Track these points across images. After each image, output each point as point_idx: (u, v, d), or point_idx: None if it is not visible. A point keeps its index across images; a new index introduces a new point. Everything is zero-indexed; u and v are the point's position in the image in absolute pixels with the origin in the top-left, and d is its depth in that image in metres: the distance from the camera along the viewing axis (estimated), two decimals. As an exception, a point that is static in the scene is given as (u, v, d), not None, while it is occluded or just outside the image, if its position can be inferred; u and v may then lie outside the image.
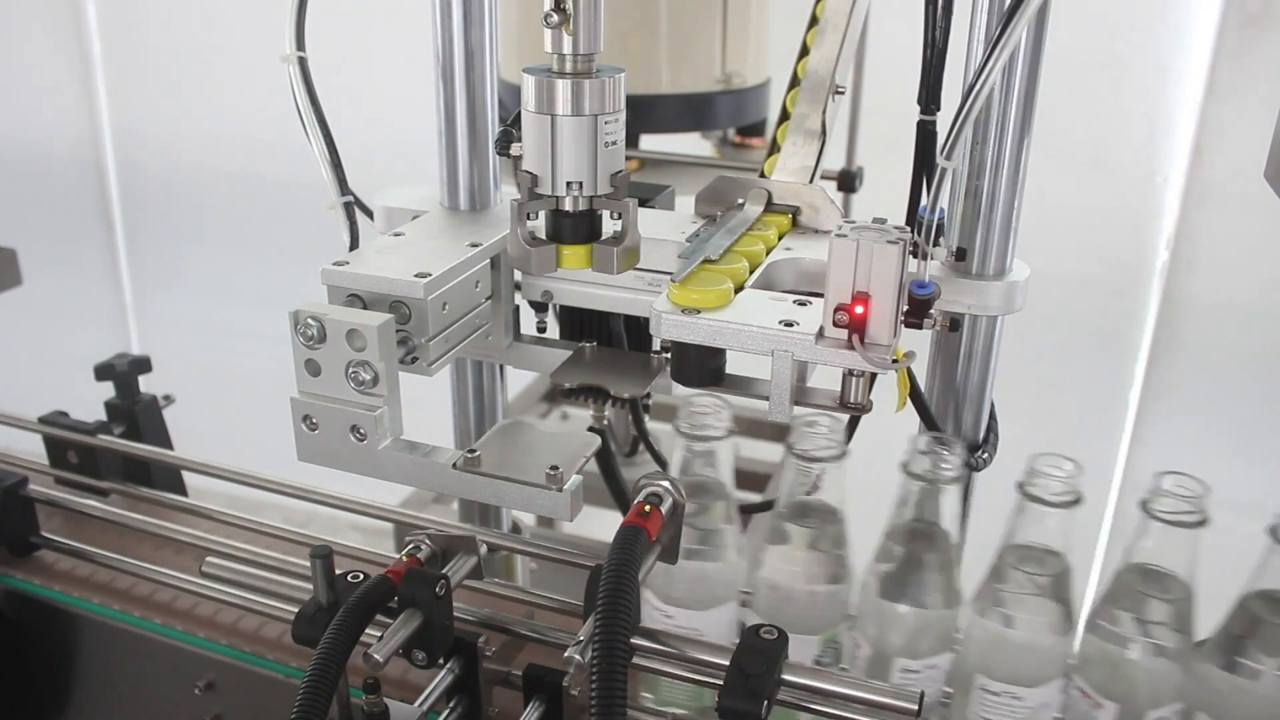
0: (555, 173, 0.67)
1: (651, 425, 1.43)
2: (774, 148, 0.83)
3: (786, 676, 0.65)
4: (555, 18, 0.64)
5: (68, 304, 2.80)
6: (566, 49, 0.65)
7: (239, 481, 1.10)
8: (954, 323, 0.75)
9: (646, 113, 1.42)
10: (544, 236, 0.70)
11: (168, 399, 1.23)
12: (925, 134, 0.78)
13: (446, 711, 0.79)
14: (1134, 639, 0.70)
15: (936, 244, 0.68)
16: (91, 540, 1.04)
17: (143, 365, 1.18)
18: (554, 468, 0.68)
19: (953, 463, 0.72)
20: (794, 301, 0.66)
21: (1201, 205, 1.86)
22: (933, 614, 0.74)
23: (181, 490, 1.20)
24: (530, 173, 0.67)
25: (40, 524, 1.05)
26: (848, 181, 1.57)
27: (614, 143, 0.68)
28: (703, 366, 0.70)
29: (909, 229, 0.62)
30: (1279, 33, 1.72)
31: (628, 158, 1.54)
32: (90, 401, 1.18)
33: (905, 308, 0.62)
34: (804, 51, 0.84)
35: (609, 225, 0.71)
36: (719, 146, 1.69)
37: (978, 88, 0.64)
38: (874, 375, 0.66)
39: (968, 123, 0.64)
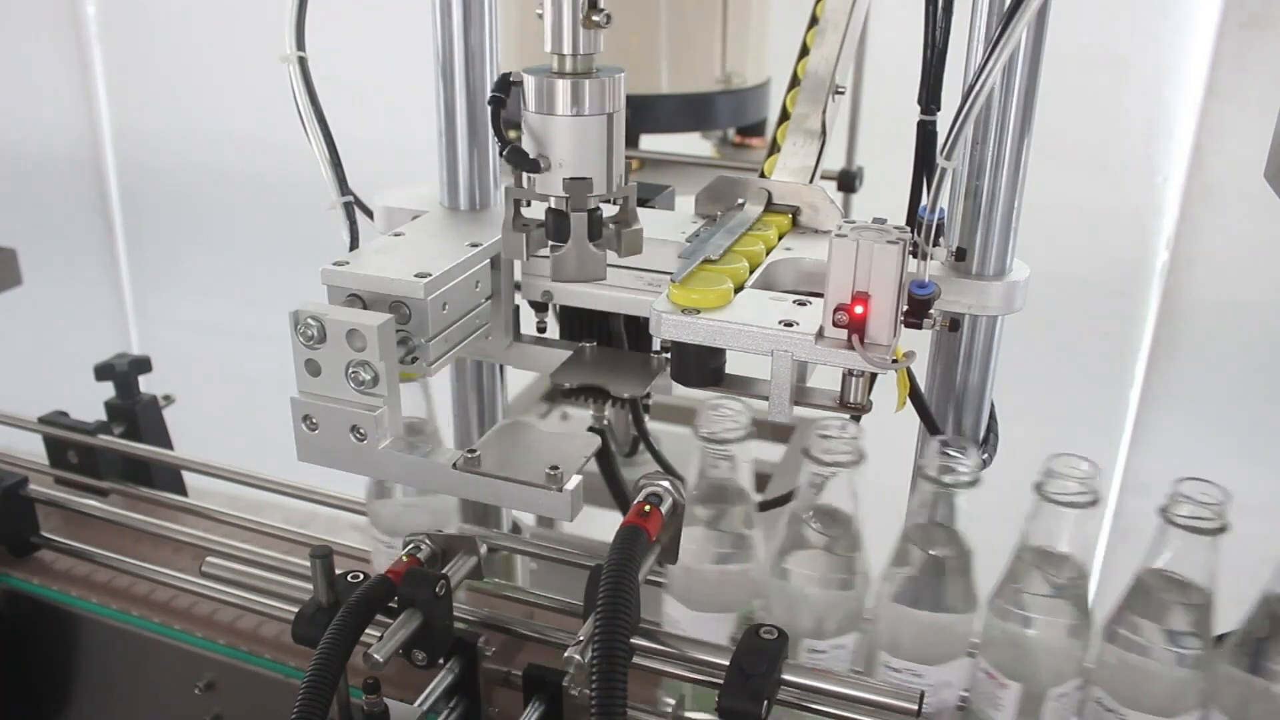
0: (611, 171, 0.67)
1: (651, 425, 1.43)
2: (774, 148, 0.83)
3: (786, 676, 0.65)
4: (600, 18, 0.64)
5: (68, 304, 2.80)
6: (600, 47, 0.66)
7: (239, 481, 1.10)
8: (954, 323, 0.74)
9: (646, 113, 1.42)
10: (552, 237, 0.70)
11: (168, 399, 1.23)
12: (925, 134, 0.78)
13: (446, 711, 0.79)
14: (1036, 619, 0.71)
15: (936, 244, 0.68)
16: (91, 540, 1.04)
17: (143, 365, 1.18)
18: (554, 468, 0.68)
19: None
20: (794, 301, 0.66)
21: (1201, 205, 1.86)
22: (839, 595, 0.75)
23: (181, 490, 1.20)
24: (586, 178, 0.67)
25: (40, 524, 1.05)
26: (848, 181, 1.57)
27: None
28: (703, 366, 0.70)
29: (909, 229, 0.62)
30: (1279, 33, 1.72)
31: (628, 158, 1.55)
32: (90, 401, 1.18)
33: (905, 308, 0.62)
34: (804, 51, 0.84)
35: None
36: (719, 146, 1.69)
37: (978, 88, 0.64)
38: (874, 375, 0.66)
39: (968, 123, 0.64)
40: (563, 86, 0.65)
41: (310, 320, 0.66)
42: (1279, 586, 0.66)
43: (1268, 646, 0.66)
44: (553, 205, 0.68)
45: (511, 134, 0.69)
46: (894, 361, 0.62)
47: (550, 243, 0.69)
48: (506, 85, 0.68)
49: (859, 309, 0.61)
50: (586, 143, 0.67)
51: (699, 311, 0.65)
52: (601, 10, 0.64)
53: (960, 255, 0.75)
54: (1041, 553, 0.71)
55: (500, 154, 0.70)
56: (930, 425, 0.79)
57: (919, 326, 0.64)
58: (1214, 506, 0.65)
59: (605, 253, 0.69)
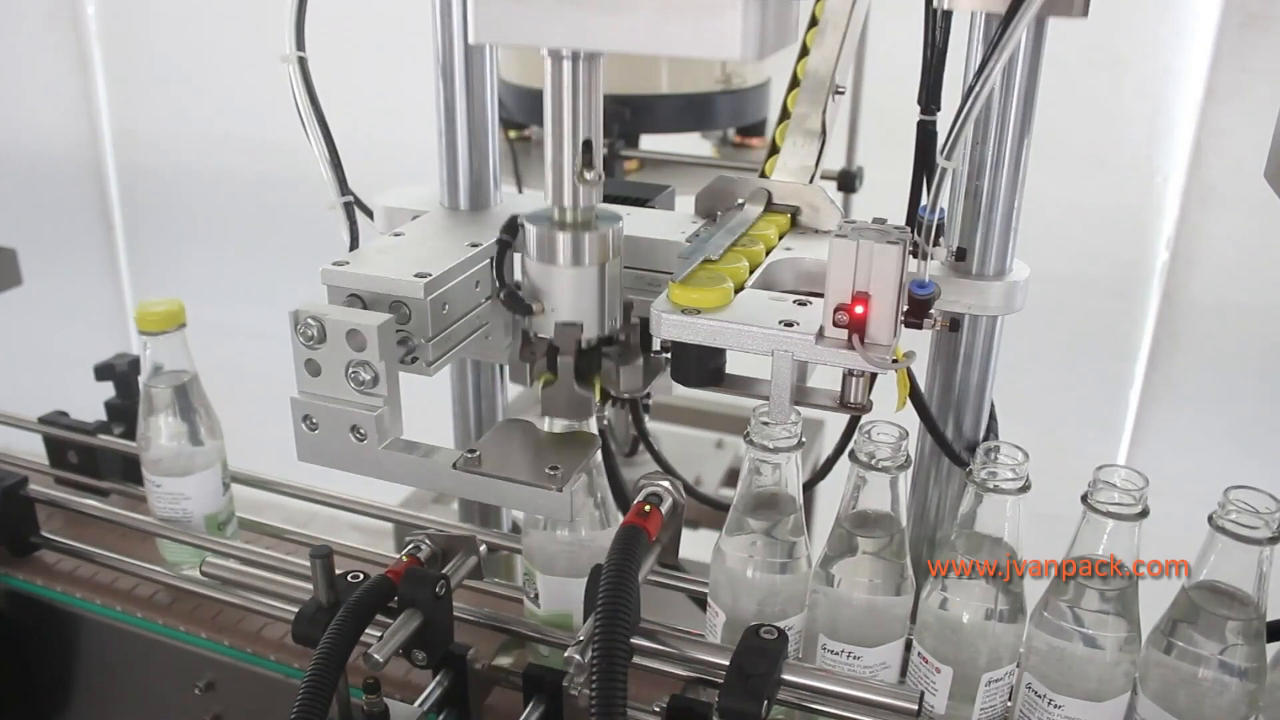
0: (604, 316, 0.71)
1: (651, 425, 1.43)
2: (774, 148, 0.83)
3: (786, 676, 0.65)
4: (591, 176, 0.67)
5: (68, 304, 2.80)
6: (598, 199, 0.69)
7: (239, 481, 1.10)
8: (954, 323, 0.74)
9: (646, 113, 1.42)
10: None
11: (168, 399, 1.22)
12: (925, 134, 0.78)
13: (446, 711, 0.79)
14: (967, 605, 0.72)
15: (936, 244, 0.68)
16: (91, 540, 1.04)
17: (143, 365, 1.18)
18: (554, 468, 0.68)
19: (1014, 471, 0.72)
20: (794, 301, 0.66)
21: (1201, 205, 1.86)
22: (781, 579, 0.75)
23: (181, 490, 1.20)
24: (577, 323, 0.70)
25: (40, 524, 1.05)
26: (848, 181, 1.57)
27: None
28: (703, 366, 0.70)
29: (909, 229, 0.62)
30: (1279, 33, 1.72)
31: (628, 158, 1.55)
32: (90, 401, 1.18)
33: (905, 308, 0.62)
34: (804, 51, 0.84)
35: None
36: (719, 146, 1.69)
37: (978, 88, 0.64)
38: (874, 375, 0.66)
39: (968, 123, 0.64)
40: (561, 239, 0.68)
41: (310, 320, 0.66)
42: (1200, 576, 0.67)
43: (1189, 631, 0.67)
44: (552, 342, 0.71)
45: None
46: (894, 361, 0.62)
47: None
48: (514, 228, 0.72)
49: (859, 309, 0.61)
50: (580, 290, 0.69)
51: (699, 311, 0.65)
52: (593, 169, 0.67)
53: (960, 255, 0.75)
54: (976, 538, 0.72)
55: (499, 297, 0.75)
56: (930, 425, 0.79)
57: (919, 326, 0.64)
58: (1132, 492, 0.66)
59: (592, 395, 0.72)
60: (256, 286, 2.52)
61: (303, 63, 0.79)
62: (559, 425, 0.74)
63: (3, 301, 1.71)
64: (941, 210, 0.68)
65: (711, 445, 1.83)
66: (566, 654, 0.65)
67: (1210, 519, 0.65)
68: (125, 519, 1.04)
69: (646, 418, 1.18)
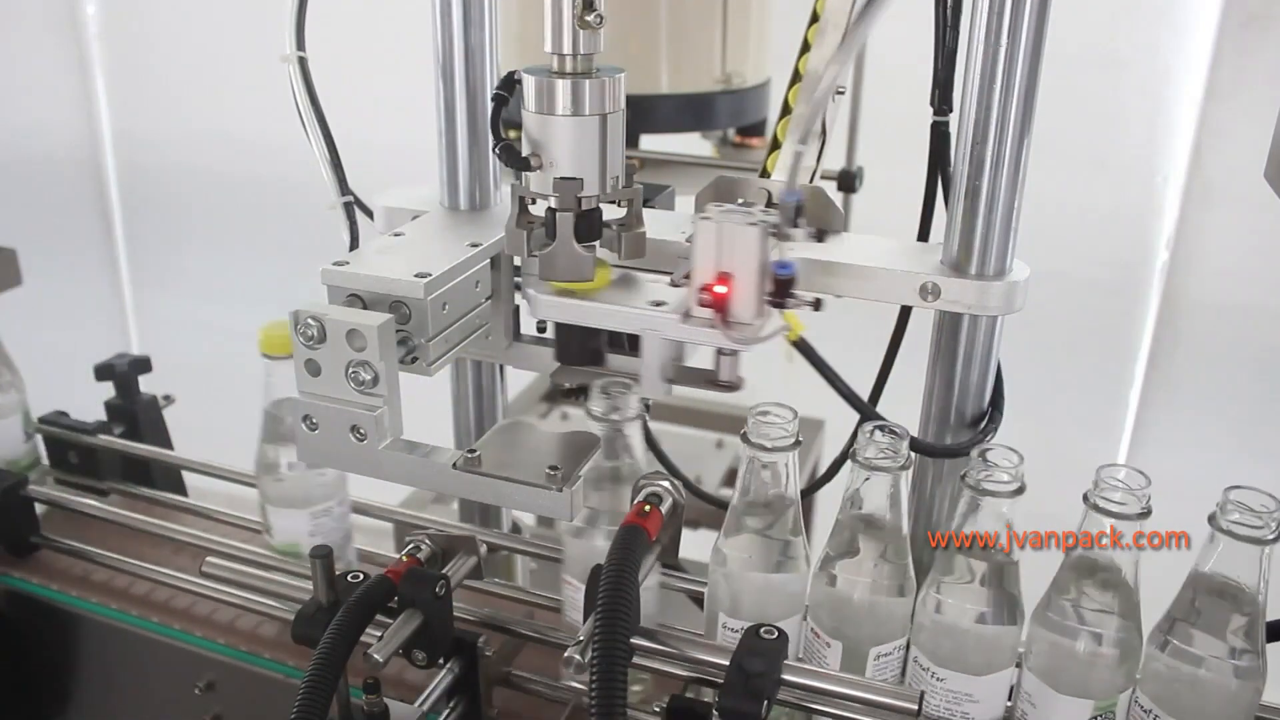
0: (604, 172, 0.68)
1: (651, 425, 1.43)
2: (775, 143, 0.83)
3: (786, 676, 0.65)
4: (593, 18, 0.65)
5: (68, 304, 2.80)
6: (600, 47, 0.66)
7: (239, 481, 1.10)
8: (817, 302, 0.73)
9: (646, 113, 1.42)
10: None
11: (168, 399, 1.23)
12: (939, 135, 0.78)
13: (446, 711, 0.79)
14: (857, 581, 0.74)
15: (796, 225, 0.68)
16: (91, 540, 1.04)
17: (143, 365, 1.18)
18: (554, 468, 0.68)
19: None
20: (669, 283, 0.67)
21: (1201, 205, 1.85)
22: (779, 578, 0.75)
23: (181, 490, 1.20)
24: (576, 178, 0.67)
25: (40, 524, 1.05)
26: (848, 181, 1.57)
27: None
28: (583, 346, 0.73)
29: (772, 210, 0.63)
30: (1279, 33, 1.72)
31: (628, 158, 1.55)
32: (90, 401, 1.18)
33: (770, 288, 0.63)
34: (805, 47, 0.84)
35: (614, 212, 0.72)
36: (719, 146, 1.69)
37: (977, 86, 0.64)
38: (738, 353, 0.67)
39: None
40: (560, 86, 0.66)
41: (310, 320, 0.66)
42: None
43: (1188, 630, 0.68)
44: (550, 204, 0.69)
45: (512, 134, 0.69)
46: (765, 338, 0.63)
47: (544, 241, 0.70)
48: (511, 84, 0.69)
49: (720, 288, 0.62)
50: (579, 142, 0.67)
51: (573, 293, 0.67)
52: (594, 10, 0.65)
53: (819, 237, 0.76)
54: (863, 519, 0.73)
55: (493, 150, 0.71)
56: (861, 408, 0.80)
57: (783, 306, 0.65)
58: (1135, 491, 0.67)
59: (594, 255, 0.69)
60: (256, 286, 2.51)
61: (303, 63, 0.79)
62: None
63: (3, 301, 1.70)
64: (799, 192, 0.67)
65: (711, 445, 1.83)
66: (566, 654, 0.65)
67: (1210, 519, 0.65)
68: (125, 519, 1.04)
69: (647, 417, 1.18)
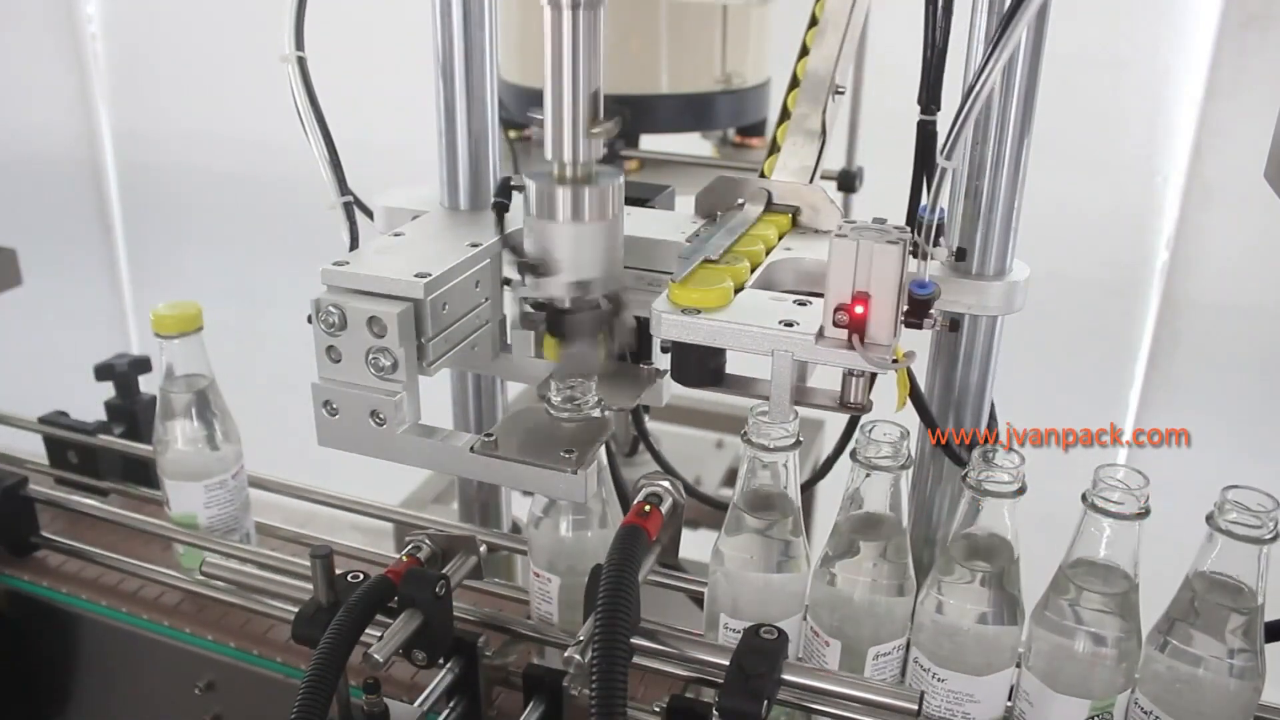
0: (610, 276, 0.70)
1: (651, 425, 1.43)
2: (774, 148, 0.83)
3: (786, 676, 0.65)
4: (598, 129, 0.67)
5: (68, 304, 2.80)
6: (599, 153, 0.69)
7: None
8: (954, 323, 0.74)
9: (646, 113, 1.42)
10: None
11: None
12: (925, 134, 0.78)
13: (446, 711, 0.79)
14: (856, 580, 0.73)
15: (936, 244, 0.68)
16: (91, 540, 1.04)
17: (143, 365, 1.18)
18: (569, 451, 0.69)
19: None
20: (794, 301, 0.66)
21: (1201, 205, 1.85)
22: (779, 578, 0.75)
23: (181, 490, 1.20)
24: (584, 281, 0.70)
25: (40, 524, 1.05)
26: (848, 181, 1.57)
27: None
28: (703, 366, 0.70)
29: (909, 229, 0.62)
30: (1279, 32, 1.72)
31: (628, 158, 1.55)
32: (90, 401, 1.18)
33: (905, 308, 0.62)
34: (804, 52, 0.84)
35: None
36: (719, 146, 1.69)
37: (978, 88, 0.64)
38: (874, 375, 0.66)
39: (968, 123, 0.64)
40: (562, 194, 0.68)
41: (332, 307, 0.67)
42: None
43: (1187, 630, 0.68)
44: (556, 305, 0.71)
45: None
46: (894, 361, 0.62)
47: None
48: (507, 190, 0.73)
49: (859, 309, 0.61)
50: (588, 248, 0.69)
51: (699, 311, 0.65)
52: (602, 121, 0.67)
53: (961, 255, 0.75)
54: (863, 519, 0.73)
55: (513, 262, 0.74)
56: (930, 424, 0.79)
57: (919, 326, 0.64)
58: (1133, 491, 0.67)
59: (598, 351, 0.72)
60: (256, 287, 2.52)
61: (302, 63, 0.79)
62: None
63: (3, 301, 1.70)
64: (942, 210, 0.68)
65: (711, 445, 1.83)
66: (566, 654, 0.65)
67: (1209, 518, 0.65)
68: (125, 519, 1.04)
69: (646, 418, 1.18)
